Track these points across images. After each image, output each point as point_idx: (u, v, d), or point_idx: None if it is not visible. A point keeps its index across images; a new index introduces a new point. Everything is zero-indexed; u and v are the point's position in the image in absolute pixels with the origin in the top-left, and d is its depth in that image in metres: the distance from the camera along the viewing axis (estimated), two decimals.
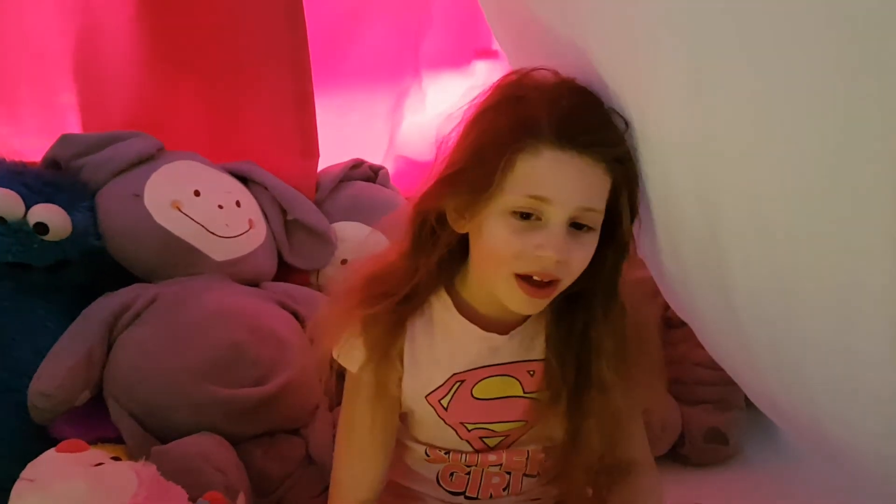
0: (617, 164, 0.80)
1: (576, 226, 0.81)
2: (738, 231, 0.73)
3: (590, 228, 0.81)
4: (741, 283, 0.77)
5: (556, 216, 0.79)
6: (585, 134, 0.79)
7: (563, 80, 0.84)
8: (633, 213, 0.84)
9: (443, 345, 0.90)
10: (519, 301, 0.82)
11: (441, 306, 0.91)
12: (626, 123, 0.81)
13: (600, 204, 0.81)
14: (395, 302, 0.88)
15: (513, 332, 0.90)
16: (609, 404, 0.88)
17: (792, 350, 0.77)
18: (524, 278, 0.81)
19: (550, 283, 0.81)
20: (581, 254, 0.81)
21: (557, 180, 0.79)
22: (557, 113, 0.79)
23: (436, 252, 0.86)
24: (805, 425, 0.88)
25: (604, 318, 0.87)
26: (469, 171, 0.82)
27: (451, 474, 0.97)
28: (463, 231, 0.85)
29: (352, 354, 0.89)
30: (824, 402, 0.79)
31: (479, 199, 0.81)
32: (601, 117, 0.81)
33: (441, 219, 0.85)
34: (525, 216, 0.80)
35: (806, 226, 0.66)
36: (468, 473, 0.97)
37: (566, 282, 0.82)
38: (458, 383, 0.91)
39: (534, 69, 0.85)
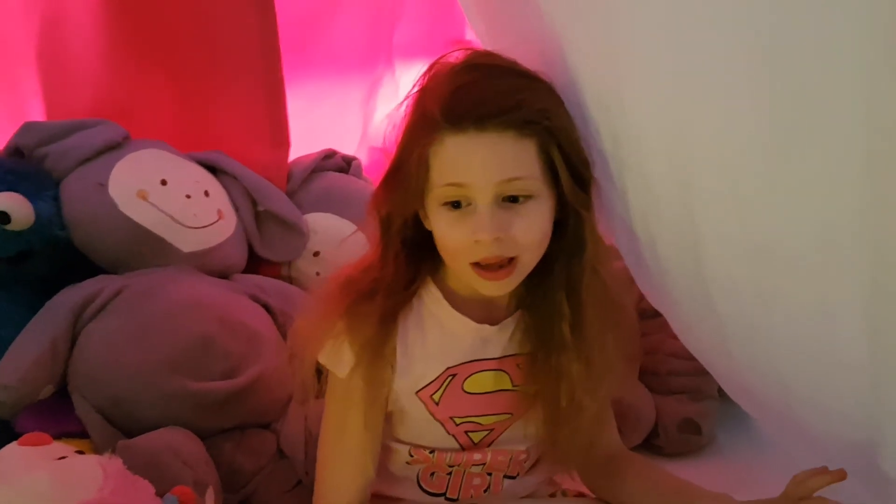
0: (530, 125, 0.79)
1: (512, 199, 0.80)
2: (713, 214, 0.73)
3: (528, 197, 0.80)
4: (717, 269, 0.78)
5: (480, 198, 0.79)
6: (476, 109, 0.78)
7: (463, 61, 0.83)
8: (577, 167, 0.82)
9: (435, 339, 0.90)
10: (485, 287, 0.83)
11: (431, 299, 0.90)
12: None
13: (526, 171, 0.80)
14: (377, 297, 0.86)
15: (503, 323, 0.90)
16: (570, 365, 0.87)
17: (767, 336, 0.78)
18: (479, 265, 0.81)
19: (507, 263, 0.81)
20: (524, 224, 0.80)
21: (466, 163, 0.79)
22: (445, 99, 0.79)
23: (394, 245, 0.87)
24: (778, 413, 0.89)
25: (565, 281, 0.86)
26: (396, 174, 0.84)
27: (432, 474, 0.96)
28: (430, 228, 0.85)
29: (340, 358, 0.88)
30: (799, 388, 0.79)
31: (417, 197, 0.82)
32: (493, 87, 0.80)
33: (398, 217, 0.86)
34: (456, 205, 0.80)
35: (777, 196, 0.66)
36: (449, 474, 0.96)
37: (526, 257, 0.82)
38: (450, 377, 0.90)
39: (447, 53, 0.85)
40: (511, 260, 0.81)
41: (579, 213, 0.83)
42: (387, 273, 0.87)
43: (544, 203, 0.82)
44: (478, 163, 0.79)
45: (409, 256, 0.88)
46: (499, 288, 0.83)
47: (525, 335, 0.90)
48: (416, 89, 0.84)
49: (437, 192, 0.81)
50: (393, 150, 0.85)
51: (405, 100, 0.85)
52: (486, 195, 0.79)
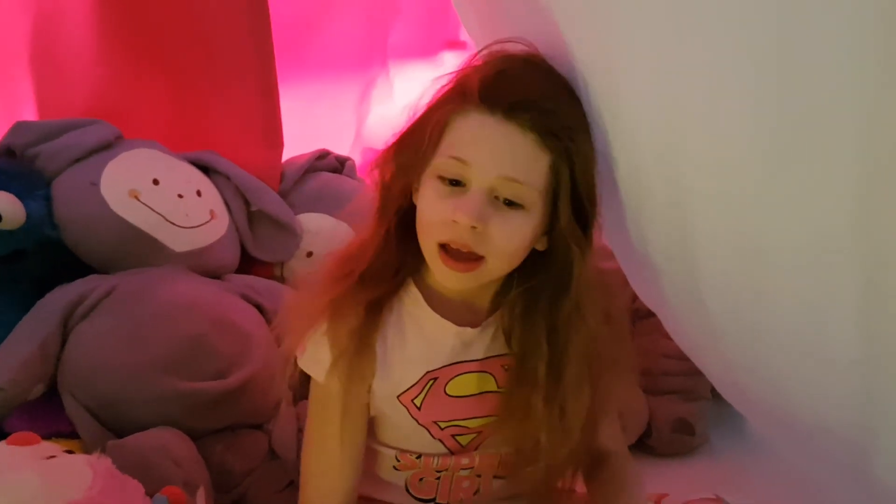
0: (553, 138, 0.78)
1: (506, 202, 0.79)
2: (705, 212, 0.73)
3: (520, 206, 0.79)
4: (709, 268, 0.77)
5: (476, 182, 0.78)
6: (512, 97, 0.77)
7: (517, 52, 0.83)
8: (582, 202, 0.81)
9: (415, 342, 0.89)
10: (442, 272, 0.81)
11: (411, 301, 0.89)
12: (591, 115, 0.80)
13: (529, 178, 0.79)
14: (359, 279, 0.85)
15: (484, 324, 0.89)
16: (536, 405, 0.85)
17: (759, 336, 0.77)
18: (445, 249, 0.80)
19: (473, 259, 0.80)
20: (504, 228, 0.79)
21: (479, 143, 0.78)
22: (487, 76, 0.79)
23: (387, 218, 0.85)
24: (771, 414, 0.89)
25: (546, 318, 0.85)
26: (411, 133, 0.83)
27: (421, 480, 0.95)
28: (417, 203, 0.84)
29: (317, 359, 0.87)
30: (791, 390, 0.79)
31: (419, 163, 0.81)
32: (538, 85, 0.80)
33: (397, 185, 0.85)
34: (453, 183, 0.79)
35: (769, 194, 0.66)
36: (438, 479, 0.95)
37: (493, 263, 0.80)
38: (431, 381, 0.89)
39: (505, 41, 0.84)
40: (478, 258, 0.80)
41: (569, 248, 0.82)
42: (378, 250, 0.86)
43: (532, 219, 0.80)
44: (490, 147, 0.78)
45: (400, 236, 0.86)
46: (456, 280, 0.81)
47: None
48: (462, 67, 0.84)
49: (440, 161, 0.80)
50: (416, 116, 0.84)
51: (453, 72, 0.84)
52: (483, 181, 0.78)
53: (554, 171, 0.79)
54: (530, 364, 0.85)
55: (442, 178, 0.80)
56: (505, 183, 0.78)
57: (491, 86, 0.78)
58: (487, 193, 0.78)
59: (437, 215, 0.80)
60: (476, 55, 0.85)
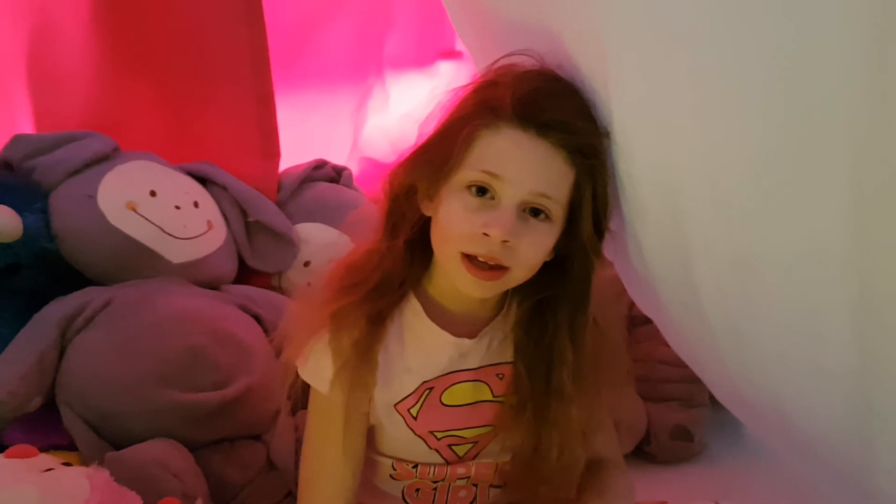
0: (580, 155, 0.79)
1: (532, 212, 0.80)
2: (700, 220, 0.73)
3: (546, 217, 0.80)
4: (705, 277, 0.77)
5: (508, 196, 0.78)
6: (546, 115, 0.78)
7: (541, 67, 0.84)
8: (600, 216, 0.83)
9: (413, 352, 0.89)
10: (466, 281, 0.81)
11: (411, 313, 0.89)
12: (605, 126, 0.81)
13: (557, 193, 0.80)
14: (365, 292, 0.85)
15: (481, 334, 0.89)
16: (568, 415, 0.86)
17: (756, 345, 0.77)
18: (470, 259, 0.80)
19: (497, 268, 0.80)
20: (531, 241, 0.80)
21: (513, 158, 0.79)
22: (521, 92, 0.79)
23: (403, 231, 0.86)
24: (770, 421, 0.88)
25: (568, 328, 0.86)
26: (434, 145, 0.83)
27: (417, 490, 0.95)
28: (428, 213, 0.85)
29: (319, 369, 0.87)
30: (789, 398, 0.79)
31: (441, 174, 0.81)
32: (568, 104, 0.80)
33: (410, 198, 0.85)
34: (481, 192, 0.79)
35: (764, 204, 0.66)
36: (434, 489, 0.95)
37: (516, 272, 0.81)
38: (427, 391, 0.89)
39: (519, 52, 0.85)
40: (503, 268, 0.80)
41: (588, 258, 0.83)
42: (388, 263, 0.86)
43: (554, 231, 0.82)
44: (523, 163, 0.79)
45: (410, 248, 0.86)
46: (479, 288, 0.82)
47: (503, 344, 0.90)
48: (480, 80, 0.84)
49: (468, 173, 0.80)
50: (433, 128, 0.84)
51: (463, 87, 0.84)
52: (516, 196, 0.78)
53: (576, 187, 0.81)
54: (553, 375, 0.86)
55: (470, 190, 0.80)
56: (535, 197, 0.79)
57: (525, 103, 0.78)
58: (518, 208, 0.79)
59: (465, 228, 0.79)
60: (488, 70, 0.85)
